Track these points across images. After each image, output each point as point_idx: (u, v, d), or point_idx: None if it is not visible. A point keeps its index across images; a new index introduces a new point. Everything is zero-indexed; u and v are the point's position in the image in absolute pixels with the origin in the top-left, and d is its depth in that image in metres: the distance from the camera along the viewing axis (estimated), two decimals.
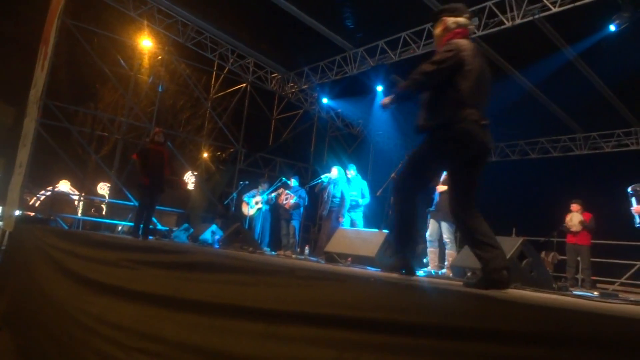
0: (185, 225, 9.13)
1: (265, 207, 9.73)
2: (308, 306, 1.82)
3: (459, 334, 1.29)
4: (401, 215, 3.00)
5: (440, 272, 5.62)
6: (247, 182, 10.13)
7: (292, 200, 8.72)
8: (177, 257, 2.98)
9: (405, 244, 2.99)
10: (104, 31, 11.68)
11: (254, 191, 9.51)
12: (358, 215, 7.95)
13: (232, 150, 13.02)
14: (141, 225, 6.97)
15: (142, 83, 13.11)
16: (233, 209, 10.40)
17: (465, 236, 2.81)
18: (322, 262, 4.63)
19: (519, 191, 12.66)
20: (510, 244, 3.63)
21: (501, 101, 10.35)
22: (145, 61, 12.86)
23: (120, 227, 13.57)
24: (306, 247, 8.78)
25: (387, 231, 4.40)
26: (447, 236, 5.81)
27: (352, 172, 7.95)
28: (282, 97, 13.23)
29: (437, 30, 3.06)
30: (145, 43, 12.05)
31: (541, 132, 12.76)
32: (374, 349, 1.26)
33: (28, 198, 15.97)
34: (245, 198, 9.47)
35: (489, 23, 8.35)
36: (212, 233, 7.81)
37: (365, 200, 8.04)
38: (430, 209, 6.33)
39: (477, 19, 8.35)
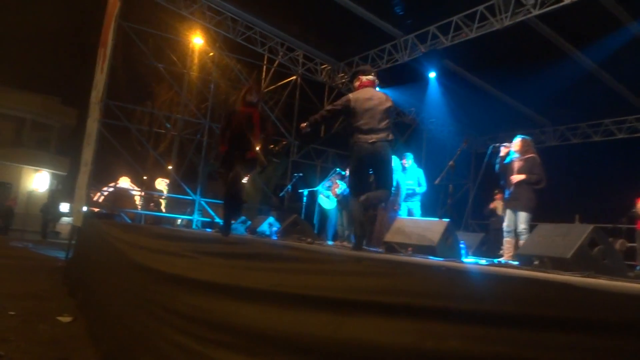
0: (242, 217, 9.26)
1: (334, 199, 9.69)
2: (380, 295, 1.77)
3: (541, 323, 1.22)
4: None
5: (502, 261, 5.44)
6: (301, 174, 10.17)
7: (338, 190, 8.68)
8: (238, 248, 3.01)
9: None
10: (158, 31, 12.00)
11: (329, 183, 9.43)
12: (415, 205, 7.82)
13: (284, 142, 13.12)
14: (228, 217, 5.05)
15: (195, 80, 13.39)
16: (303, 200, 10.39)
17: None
18: (382, 252, 4.58)
19: (581, 176, 12.11)
20: (579, 231, 3.45)
21: (561, 82, 9.94)
22: (197, 59, 13.13)
23: (179, 221, 14.00)
24: None
25: (447, 220, 4.29)
26: (523, 227, 5.60)
27: (409, 161, 7.81)
28: (333, 87, 13.18)
29: (355, 84, 4.64)
30: (197, 41, 12.30)
31: (605, 113, 12.11)
32: (456, 337, 1.21)
33: (92, 194, 16.69)
34: (322, 191, 9.36)
35: (546, 1, 7.97)
36: (269, 225, 7.89)
37: (422, 188, 7.89)
38: (506, 198, 6.12)
39: None
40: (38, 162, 24.97)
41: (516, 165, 5.99)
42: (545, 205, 6.19)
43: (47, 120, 26.19)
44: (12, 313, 4.66)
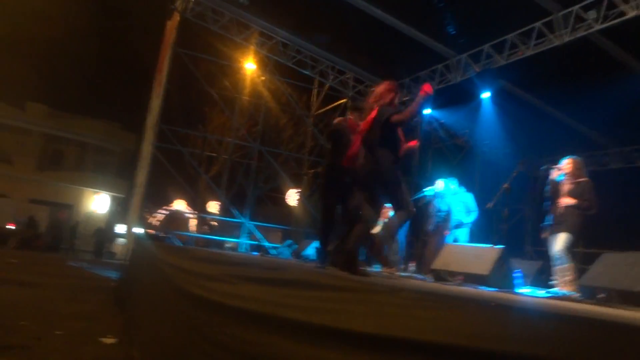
0: (289, 241, 9.19)
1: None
2: (416, 332, 1.58)
3: None
4: None
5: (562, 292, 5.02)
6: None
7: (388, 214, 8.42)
8: (273, 273, 2.87)
9: None
10: (211, 57, 12.31)
11: None
12: (462, 233, 7.35)
13: None
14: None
15: (246, 104, 13.60)
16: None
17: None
18: (430, 280, 4.32)
19: None
20: None
21: (625, 100, 9.35)
22: (248, 83, 13.35)
23: (227, 244, 14.09)
24: (411, 264, 8.36)
25: (501, 247, 3.99)
26: (561, 248, 5.14)
27: (452, 186, 7.45)
28: None
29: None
30: (249, 65, 12.51)
31: None
32: None
33: (148, 217, 17.16)
34: None
35: (609, 15, 7.54)
36: (315, 249, 7.74)
37: (472, 216, 7.45)
38: (549, 223, 5.71)
39: (595, 12, 7.60)
40: (98, 185, 26.06)
41: (566, 188, 5.57)
42: (606, 233, 5.72)
43: (108, 145, 27.40)
44: (59, 333, 4.70)
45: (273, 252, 10.37)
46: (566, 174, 5.63)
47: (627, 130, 11.38)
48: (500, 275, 3.85)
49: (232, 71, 13.04)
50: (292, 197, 18.90)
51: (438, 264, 4.28)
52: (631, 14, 7.15)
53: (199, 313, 3.28)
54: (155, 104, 11.14)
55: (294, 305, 2.44)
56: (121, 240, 20.99)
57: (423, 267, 6.97)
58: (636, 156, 12.23)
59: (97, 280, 10.49)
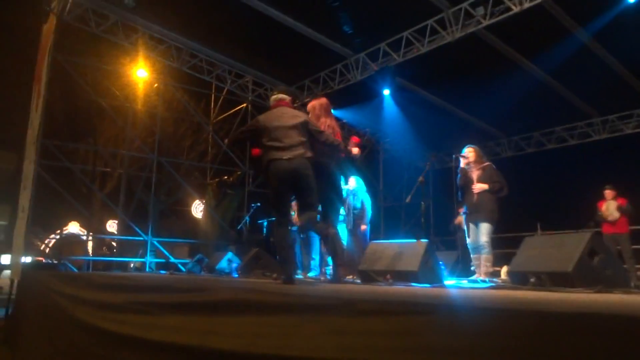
0: (199, 256, 8.66)
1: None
2: (383, 353, 1.36)
3: None
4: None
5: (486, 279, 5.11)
6: (259, 204, 9.68)
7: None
8: (196, 296, 2.53)
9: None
10: (97, 63, 11.38)
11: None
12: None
13: (239, 172, 12.60)
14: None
15: (140, 113, 12.75)
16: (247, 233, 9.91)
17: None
18: (358, 282, 4.17)
19: (538, 185, 12.18)
20: (575, 241, 3.16)
21: (512, 93, 9.98)
22: (141, 90, 12.53)
23: (132, 264, 13.14)
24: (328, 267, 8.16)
25: (426, 240, 3.93)
26: (485, 239, 5.32)
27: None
28: None
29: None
30: (140, 73, 11.71)
31: (556, 121, 12.30)
32: None
33: (39, 243, 15.64)
34: None
35: (495, 11, 7.95)
36: (228, 261, 7.36)
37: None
38: (465, 212, 5.85)
39: (483, 9, 7.98)
40: None
41: (475, 174, 5.78)
42: (504, 217, 6.01)
43: None
44: None
45: (182, 268, 9.77)
46: (470, 162, 5.81)
47: (514, 120, 12.22)
48: (428, 270, 3.79)
49: (121, 79, 12.14)
50: (198, 208, 18.17)
51: (364, 264, 4.13)
52: (515, 9, 7.57)
53: (110, 351, 2.83)
54: (35, 117, 10.03)
55: (228, 333, 2.12)
56: (6, 272, 18.90)
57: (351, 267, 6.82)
58: (524, 144, 13.17)
59: None
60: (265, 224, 8.86)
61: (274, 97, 4.41)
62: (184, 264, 9.98)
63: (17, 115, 13.73)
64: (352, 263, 6.83)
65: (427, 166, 5.79)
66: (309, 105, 5.04)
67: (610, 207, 8.14)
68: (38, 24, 10.65)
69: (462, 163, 5.90)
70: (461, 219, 9.82)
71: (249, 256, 6.66)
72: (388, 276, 3.81)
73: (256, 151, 4.42)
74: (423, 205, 5.38)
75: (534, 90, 10.03)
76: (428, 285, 3.52)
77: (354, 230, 6.83)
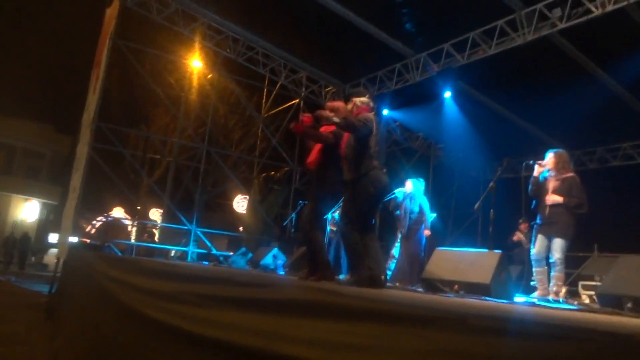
0: (243, 249, 8.50)
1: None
2: None
3: None
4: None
5: (550, 299, 4.68)
6: (306, 202, 9.44)
7: None
8: (257, 292, 2.27)
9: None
10: (155, 51, 11.44)
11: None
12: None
13: (286, 169, 12.42)
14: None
15: (193, 103, 12.76)
16: (292, 230, 9.70)
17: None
18: (421, 290, 3.84)
19: (599, 203, 11.42)
20: None
21: (579, 104, 9.37)
22: (195, 81, 12.54)
23: (173, 252, 13.18)
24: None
25: (499, 251, 3.57)
26: (558, 256, 4.84)
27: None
28: None
29: (349, 106, 4.20)
30: (196, 63, 11.71)
31: (622, 136, 11.54)
32: None
33: (85, 225, 15.96)
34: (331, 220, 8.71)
35: (573, 14, 7.42)
36: (273, 257, 7.15)
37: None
38: (537, 222, 5.37)
39: (560, 10, 7.47)
40: (28, 191, 24.13)
41: (551, 185, 5.27)
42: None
43: (39, 148, 25.45)
44: None
45: (224, 261, 9.65)
46: (550, 169, 5.32)
47: (576, 133, 11.52)
48: (500, 283, 3.43)
49: (177, 67, 12.18)
50: (240, 203, 18.15)
51: (429, 271, 3.80)
52: (596, 12, 7.04)
53: (159, 343, 2.62)
54: (92, 100, 10.14)
55: (298, 338, 1.85)
56: (53, 250, 19.44)
57: (398, 274, 6.50)
58: (586, 159, 12.44)
59: (25, 296, 9.38)
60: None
61: (359, 100, 4.17)
62: (225, 257, 9.86)
63: (77, 99, 14.02)
64: (402, 270, 6.53)
65: (499, 171, 5.33)
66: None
67: None
68: (101, 8, 10.79)
69: (536, 172, 5.42)
70: (520, 235, 9.35)
71: (298, 254, 6.43)
72: (456, 287, 3.48)
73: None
74: (492, 213, 4.98)
75: (603, 102, 9.38)
76: (504, 300, 3.16)
77: (409, 236, 6.49)
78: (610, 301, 3.01)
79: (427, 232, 6.55)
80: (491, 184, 4.86)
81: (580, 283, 6.87)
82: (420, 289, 3.93)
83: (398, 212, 6.70)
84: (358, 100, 4.19)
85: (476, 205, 4.99)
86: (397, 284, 5.81)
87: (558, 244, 4.88)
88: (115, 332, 3.45)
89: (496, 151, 12.81)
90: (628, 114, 10.01)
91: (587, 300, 6.59)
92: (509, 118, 11.16)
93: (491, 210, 4.96)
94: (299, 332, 1.94)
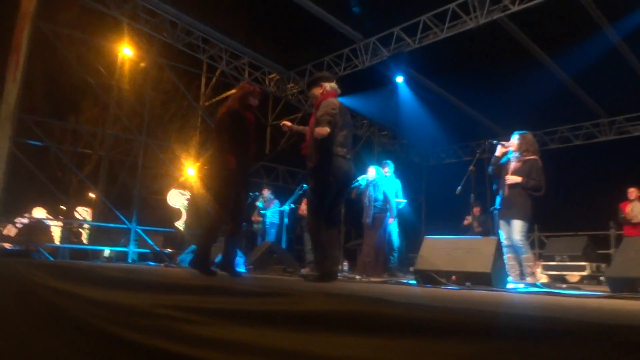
0: (192, 247, 7.93)
1: (273, 220, 8.70)
2: None
3: None
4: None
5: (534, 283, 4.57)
6: (257, 193, 9.01)
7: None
8: (271, 302, 1.88)
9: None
10: (82, 36, 10.46)
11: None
12: (393, 224, 6.80)
13: None
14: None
15: (125, 92, 11.84)
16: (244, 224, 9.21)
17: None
18: (416, 284, 3.57)
19: (554, 183, 11.77)
20: None
21: (525, 90, 9.54)
22: (128, 68, 11.63)
23: (107, 253, 12.26)
24: (344, 263, 7.50)
25: (495, 237, 3.35)
26: (519, 237, 4.74)
27: (390, 170, 6.88)
28: (280, 99, 12.17)
29: (319, 90, 4.16)
30: (127, 50, 10.80)
31: (561, 120, 11.95)
32: None
33: (1, 228, 14.61)
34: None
35: None
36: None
37: (401, 204, 6.97)
38: (496, 207, 5.28)
39: None
40: None
41: (512, 166, 5.22)
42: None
43: None
44: None
45: (171, 261, 9.03)
46: (513, 151, 5.26)
47: (516, 116, 11.76)
48: (498, 271, 3.22)
49: (108, 54, 11.22)
50: (175, 197, 17.25)
51: (422, 262, 3.53)
52: None
53: None
54: (12, 89, 9.09)
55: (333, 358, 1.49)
56: None
57: (360, 265, 6.25)
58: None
59: None
60: (268, 214, 8.19)
61: (328, 85, 4.16)
62: (165, 255, 9.25)
63: None
64: (367, 261, 6.27)
65: (478, 154, 5.17)
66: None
67: (635, 208, 7.72)
68: None
69: (498, 152, 5.33)
70: (469, 218, 9.37)
71: (262, 250, 5.99)
72: (454, 277, 3.23)
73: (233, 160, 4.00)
74: (473, 198, 4.81)
75: (549, 88, 9.60)
76: (497, 288, 2.94)
77: (374, 225, 6.23)
78: (623, 285, 2.86)
79: (390, 220, 6.33)
80: (471, 167, 4.69)
81: (541, 264, 6.92)
82: (413, 282, 3.66)
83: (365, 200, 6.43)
84: (328, 85, 4.17)
85: (458, 190, 4.79)
86: (360, 277, 5.55)
87: (517, 226, 4.82)
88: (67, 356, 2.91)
89: (443, 137, 12.91)
90: (568, 99, 10.33)
91: (545, 281, 6.67)
92: (453, 103, 11.22)
93: (472, 195, 4.79)
94: (333, 349, 1.58)
